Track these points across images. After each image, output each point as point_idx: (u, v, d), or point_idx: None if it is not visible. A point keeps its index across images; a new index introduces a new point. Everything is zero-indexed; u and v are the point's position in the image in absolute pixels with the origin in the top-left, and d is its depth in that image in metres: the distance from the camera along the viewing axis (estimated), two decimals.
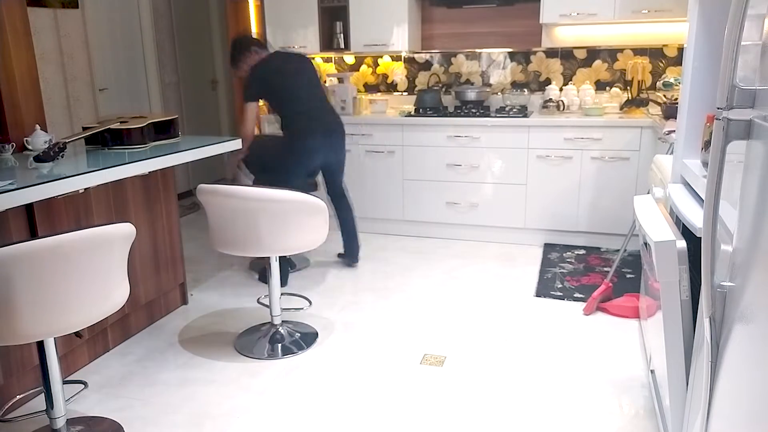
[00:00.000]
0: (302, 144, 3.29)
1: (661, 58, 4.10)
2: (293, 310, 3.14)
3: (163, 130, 2.92)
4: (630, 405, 2.28)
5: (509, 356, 2.67)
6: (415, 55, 4.66)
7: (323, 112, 3.41)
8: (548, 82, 4.38)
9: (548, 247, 4.05)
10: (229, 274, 3.76)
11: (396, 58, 4.69)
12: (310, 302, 3.27)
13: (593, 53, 4.25)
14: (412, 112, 4.35)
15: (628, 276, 3.51)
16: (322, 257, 4.00)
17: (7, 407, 2.26)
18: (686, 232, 1.82)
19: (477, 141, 4.07)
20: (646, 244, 1.97)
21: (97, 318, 1.89)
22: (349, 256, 3.77)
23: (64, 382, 2.08)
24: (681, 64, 2.36)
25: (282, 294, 2.90)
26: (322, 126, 3.36)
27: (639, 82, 4.05)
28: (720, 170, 1.22)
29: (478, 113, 4.13)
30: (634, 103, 4.01)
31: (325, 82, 3.84)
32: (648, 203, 2.16)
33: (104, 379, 2.55)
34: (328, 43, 4.54)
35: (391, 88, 4.79)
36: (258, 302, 3.21)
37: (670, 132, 2.94)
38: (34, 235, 2.29)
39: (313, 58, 4.91)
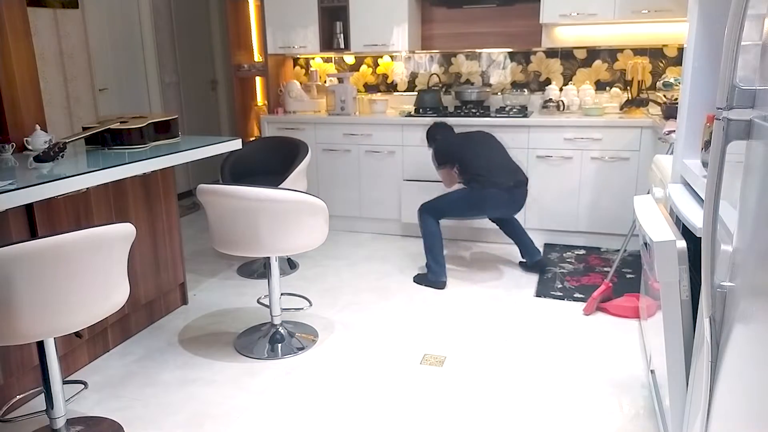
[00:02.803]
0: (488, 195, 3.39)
1: (661, 58, 4.10)
2: (293, 310, 3.14)
3: (163, 130, 2.92)
4: (630, 405, 2.28)
5: (509, 356, 2.67)
6: (415, 55, 4.67)
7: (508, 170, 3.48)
8: (548, 82, 4.38)
9: (548, 247, 4.05)
10: (229, 274, 3.76)
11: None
12: (310, 302, 3.27)
13: (593, 53, 4.25)
14: (412, 112, 4.35)
15: (628, 276, 3.51)
16: (323, 258, 4.00)
17: (7, 407, 2.26)
18: (686, 232, 1.82)
19: None
20: (646, 244, 1.97)
21: (97, 318, 1.89)
22: (530, 254, 3.68)
23: (64, 382, 2.08)
24: (681, 64, 2.36)
25: (282, 294, 2.90)
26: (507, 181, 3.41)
27: (639, 82, 4.05)
28: (720, 170, 1.22)
29: (478, 113, 4.13)
30: (634, 103, 4.01)
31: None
32: (648, 203, 2.16)
33: (104, 379, 2.55)
34: (328, 43, 4.54)
35: (391, 88, 4.79)
36: (258, 302, 3.21)
37: (670, 132, 2.94)
38: (34, 235, 2.29)
39: (313, 58, 4.91)
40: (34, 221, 2.29)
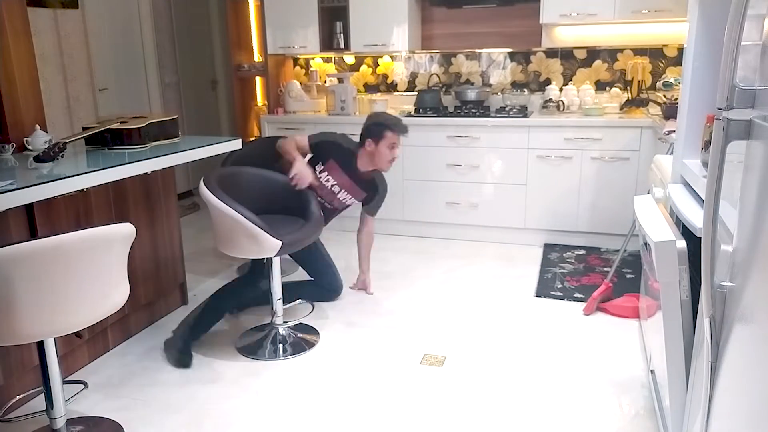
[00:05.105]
0: None
1: (661, 58, 4.10)
2: (295, 321, 3.12)
3: (163, 130, 2.92)
4: (630, 405, 2.28)
5: (509, 356, 2.67)
6: (415, 55, 4.66)
7: None
8: (548, 82, 4.38)
9: (548, 247, 4.05)
10: (229, 274, 3.76)
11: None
12: (312, 306, 3.24)
13: (593, 53, 4.25)
14: (412, 112, 4.35)
15: (628, 276, 3.51)
16: None
17: (7, 407, 2.26)
18: (686, 232, 1.82)
19: (477, 141, 4.07)
20: (646, 244, 1.97)
21: (97, 318, 1.89)
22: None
23: (64, 382, 2.08)
24: (681, 64, 2.36)
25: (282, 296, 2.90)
26: None
27: (639, 82, 4.05)
28: (720, 170, 1.22)
29: (478, 113, 4.13)
30: (634, 103, 4.01)
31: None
32: (648, 203, 2.16)
33: (104, 379, 2.55)
34: (328, 43, 4.54)
35: (391, 88, 4.79)
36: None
37: (670, 132, 2.94)
38: (34, 235, 2.29)
39: (313, 58, 4.92)
40: (34, 221, 2.28)
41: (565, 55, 4.32)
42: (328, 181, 3.09)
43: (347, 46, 4.45)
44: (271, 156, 3.49)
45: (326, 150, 3.10)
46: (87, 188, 2.43)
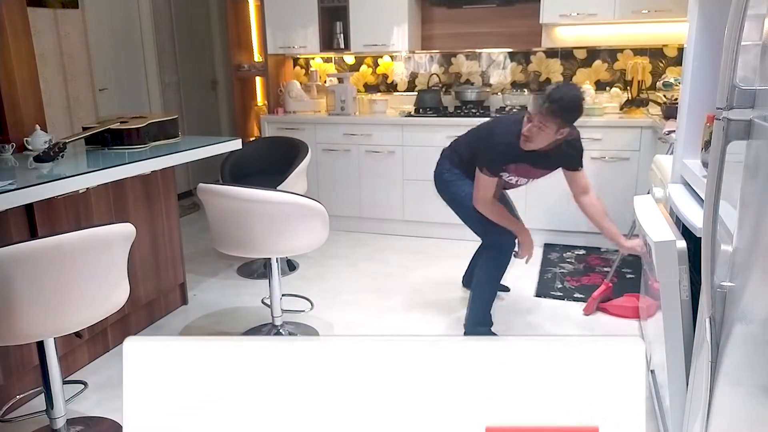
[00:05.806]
0: None
1: (661, 58, 4.10)
2: (294, 312, 3.13)
3: (163, 130, 2.92)
4: None
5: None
6: (415, 55, 4.66)
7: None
8: (548, 82, 4.38)
9: (548, 247, 4.05)
10: (229, 274, 3.76)
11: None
12: (312, 304, 3.25)
13: (593, 53, 4.25)
14: (412, 112, 4.35)
15: (628, 276, 3.50)
16: (323, 258, 3.99)
17: (7, 407, 2.26)
18: (686, 232, 1.82)
19: None
20: (646, 244, 1.97)
21: (97, 318, 1.89)
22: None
23: (64, 382, 2.08)
24: (681, 64, 2.36)
25: (283, 295, 2.89)
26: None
27: (639, 82, 4.04)
28: (720, 170, 1.21)
29: (478, 113, 4.13)
30: (634, 103, 4.01)
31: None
32: (648, 203, 2.16)
33: (104, 379, 2.55)
34: (328, 43, 4.53)
35: (391, 88, 4.79)
36: (262, 302, 3.20)
37: (670, 132, 2.94)
38: (34, 235, 2.28)
39: (313, 58, 4.92)
40: (34, 221, 2.28)
41: (565, 55, 4.32)
42: (516, 181, 2.82)
43: (347, 46, 4.45)
44: (271, 159, 3.50)
45: (492, 157, 2.58)
46: (87, 188, 2.43)
